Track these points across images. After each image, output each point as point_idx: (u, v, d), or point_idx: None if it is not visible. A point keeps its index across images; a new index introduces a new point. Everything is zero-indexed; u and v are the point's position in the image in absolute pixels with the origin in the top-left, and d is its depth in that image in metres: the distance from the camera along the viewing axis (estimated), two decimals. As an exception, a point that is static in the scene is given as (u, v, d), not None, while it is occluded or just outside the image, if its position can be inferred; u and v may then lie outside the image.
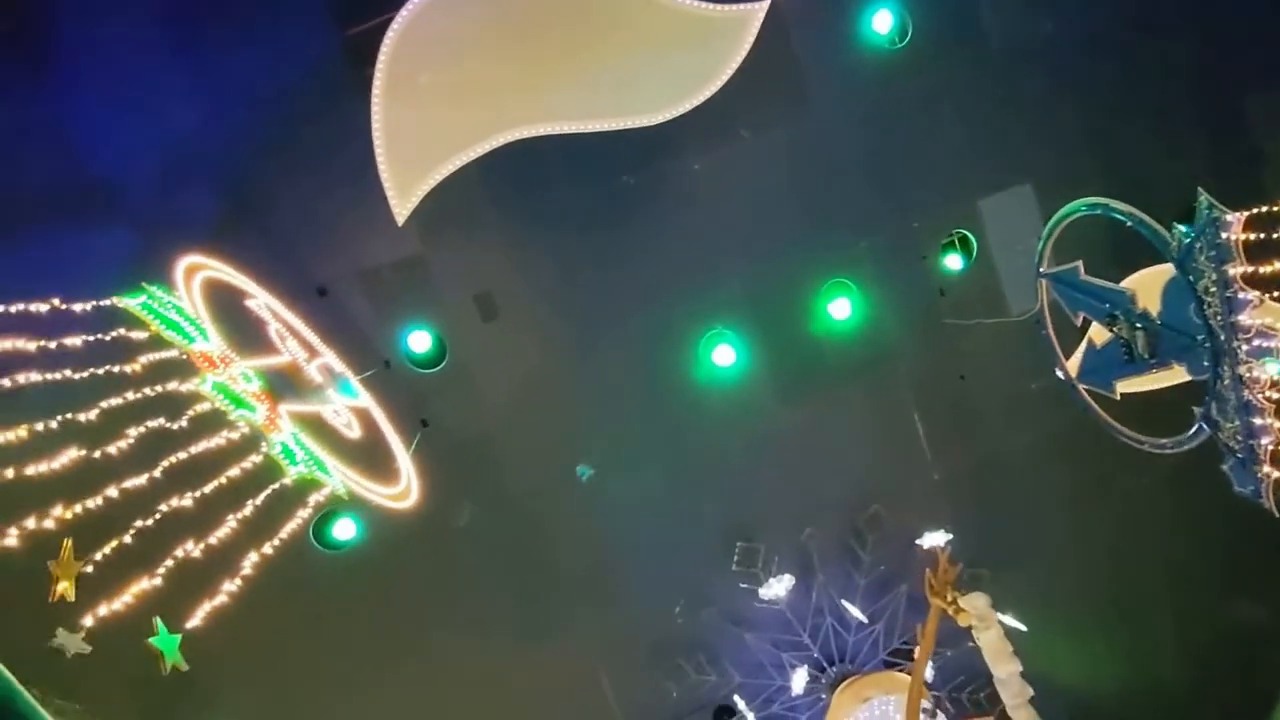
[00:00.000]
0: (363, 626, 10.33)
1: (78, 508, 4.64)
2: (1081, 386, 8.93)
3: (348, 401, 7.56)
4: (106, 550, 4.80)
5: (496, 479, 10.42)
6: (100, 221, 8.75)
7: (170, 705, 10.16)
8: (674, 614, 10.93)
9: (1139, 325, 7.80)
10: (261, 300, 7.27)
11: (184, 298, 6.35)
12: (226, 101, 9.03)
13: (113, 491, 4.95)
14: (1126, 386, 8.43)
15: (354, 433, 7.58)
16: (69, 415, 4.83)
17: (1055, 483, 11.49)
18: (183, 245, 8.06)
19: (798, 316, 10.81)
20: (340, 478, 6.88)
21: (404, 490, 8.02)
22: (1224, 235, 6.77)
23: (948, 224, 10.90)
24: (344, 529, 10.11)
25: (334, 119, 9.23)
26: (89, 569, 4.68)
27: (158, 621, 5.19)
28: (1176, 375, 7.93)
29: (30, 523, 4.44)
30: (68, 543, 4.57)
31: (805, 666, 11.02)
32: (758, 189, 10.49)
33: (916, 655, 8.91)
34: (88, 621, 4.85)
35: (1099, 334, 8.51)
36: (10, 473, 4.43)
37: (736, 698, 11.02)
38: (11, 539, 4.23)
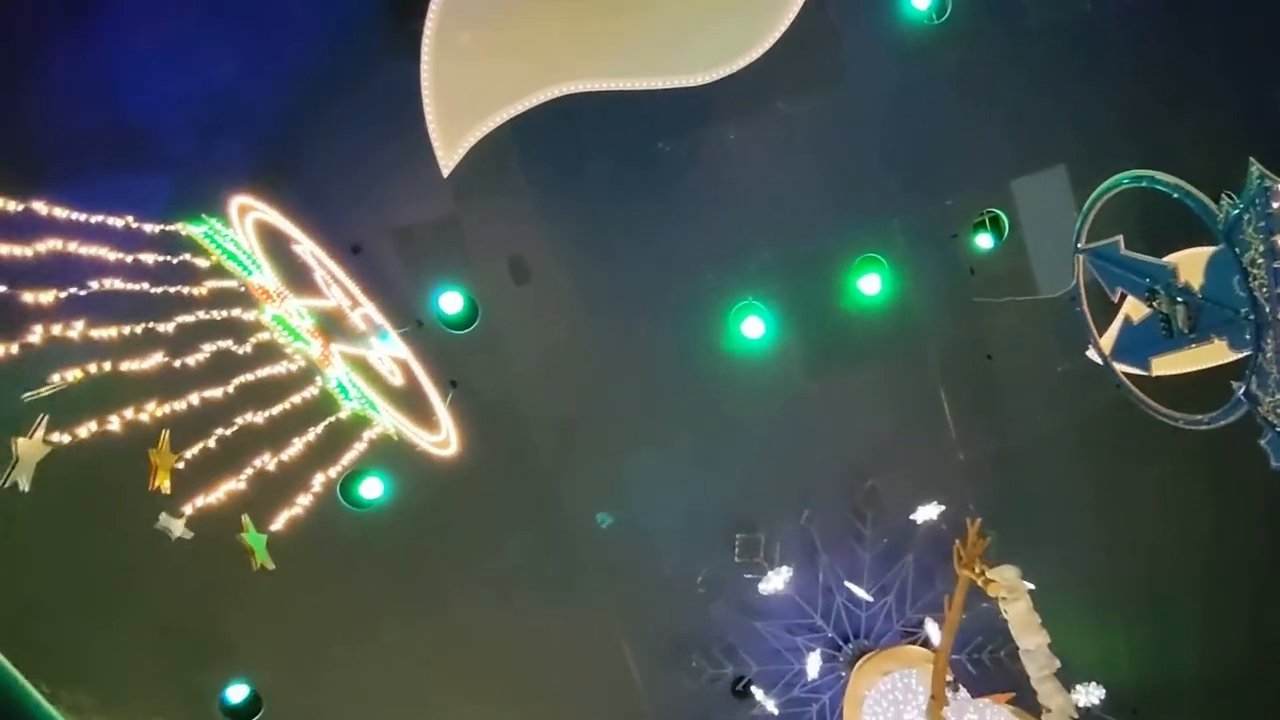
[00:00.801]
0: (385, 584, 10.36)
1: (167, 408, 4.70)
2: (1116, 365, 8.90)
3: (389, 351, 7.58)
4: (195, 451, 4.86)
5: (523, 442, 10.43)
6: (140, 169, 8.76)
7: (191, 658, 10.21)
8: (695, 584, 10.92)
9: (1180, 300, 7.77)
10: (306, 247, 7.28)
11: (239, 233, 6.37)
12: (270, 54, 9.03)
13: (194, 398, 4.99)
14: (1163, 364, 8.39)
15: (396, 380, 7.58)
16: (151, 324, 4.87)
17: (1079, 467, 11.49)
18: (223, 194, 8.12)
19: (828, 291, 10.81)
20: (389, 418, 6.91)
21: (445, 439, 8.04)
22: (1275, 205, 6.75)
23: (980, 203, 10.89)
24: (371, 488, 10.13)
25: (377, 76, 9.25)
26: (179, 464, 4.75)
27: (246, 519, 5.28)
28: (1215, 352, 7.89)
29: (128, 413, 4.49)
30: (165, 433, 4.63)
31: (819, 650, 11.01)
32: (792, 161, 10.49)
33: (943, 627, 8.94)
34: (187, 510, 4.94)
35: (1136, 310, 8.47)
36: (108, 366, 4.50)
37: (754, 688, 11.02)
38: (113, 424, 4.30)
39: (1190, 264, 7.94)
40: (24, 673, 9.66)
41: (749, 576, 10.89)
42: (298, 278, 6.79)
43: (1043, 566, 10.98)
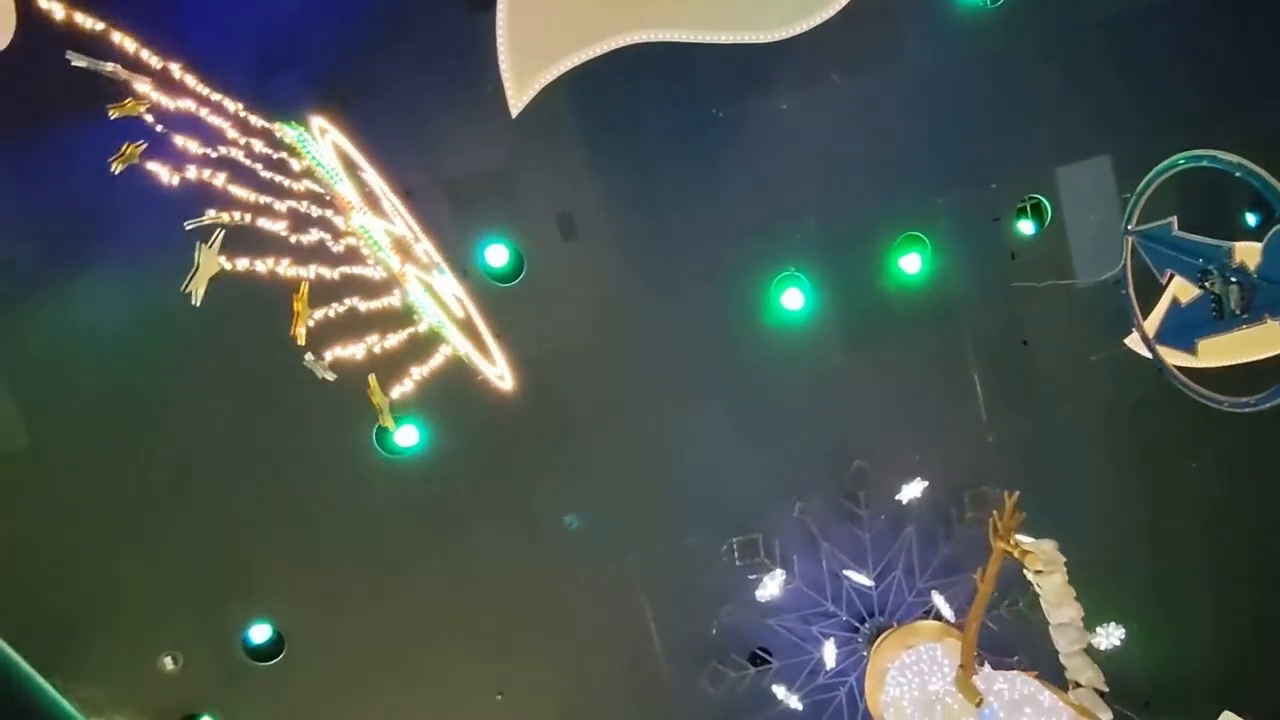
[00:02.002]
0: (414, 532, 10.39)
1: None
2: (1160, 348, 8.99)
3: (449, 286, 7.64)
4: (327, 312, 4.94)
5: (561, 398, 10.46)
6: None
7: (214, 595, 10.23)
8: (721, 552, 10.95)
9: (1234, 280, 7.87)
10: (372, 175, 7.34)
11: (321, 147, 6.43)
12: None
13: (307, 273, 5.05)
14: (1209, 349, 8.49)
15: (459, 313, 7.64)
16: (267, 200, 4.94)
17: (1106, 457, 11.56)
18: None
19: (869, 267, 10.85)
20: (459, 341, 6.99)
21: (503, 374, 8.11)
22: (1342, 183, 6.85)
23: (1024, 188, 10.96)
24: (407, 435, 10.17)
25: (444, 23, 9.31)
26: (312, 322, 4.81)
27: (373, 379, 5.36)
28: (1265, 335, 7.99)
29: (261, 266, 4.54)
30: (304, 285, 4.67)
31: (833, 639, 11.05)
32: (842, 135, 10.55)
33: (975, 599, 8.97)
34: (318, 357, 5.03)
35: (1185, 292, 8.57)
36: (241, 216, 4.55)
37: (775, 688, 11.07)
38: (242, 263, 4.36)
39: (1245, 249, 8.05)
40: (41, 588, 9.70)
41: (752, 577, 10.93)
42: (370, 203, 6.86)
43: (1063, 554, 11.15)
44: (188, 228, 4.46)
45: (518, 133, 9.85)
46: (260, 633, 10.38)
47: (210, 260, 4.23)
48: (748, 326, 10.72)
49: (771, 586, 10.71)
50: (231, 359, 9.85)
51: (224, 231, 4.27)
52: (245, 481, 10.10)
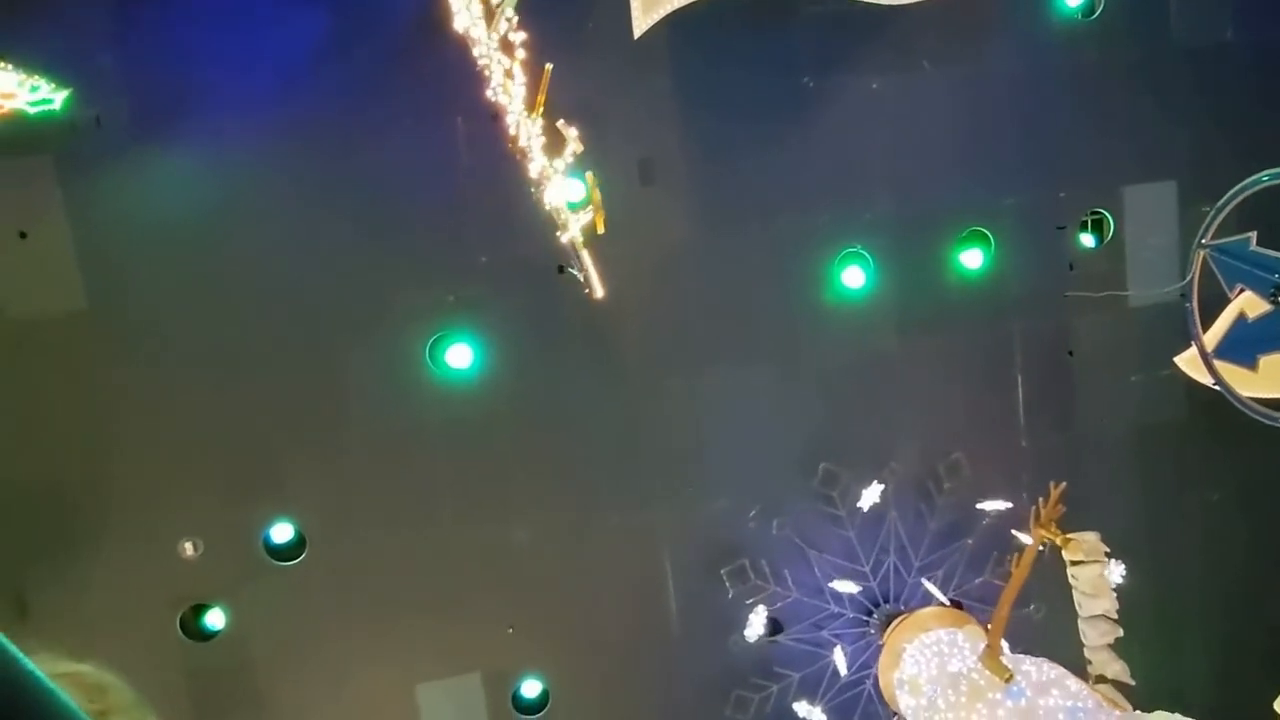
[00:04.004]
0: (452, 456, 10.34)
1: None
2: (1218, 362, 9.16)
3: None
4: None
5: (615, 339, 10.48)
6: None
7: (240, 488, 10.14)
8: (748, 517, 10.98)
9: (1309, 297, 8.06)
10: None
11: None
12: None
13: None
14: (1271, 365, 8.68)
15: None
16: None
17: (1131, 478, 11.75)
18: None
19: (931, 256, 11.02)
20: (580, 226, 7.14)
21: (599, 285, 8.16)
22: None
23: (1091, 201, 11.19)
24: (460, 356, 10.17)
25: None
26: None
27: (590, 176, 5.39)
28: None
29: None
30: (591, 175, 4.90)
31: (840, 645, 11.11)
32: (924, 121, 10.73)
33: (1008, 584, 9.08)
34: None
35: (1253, 307, 8.77)
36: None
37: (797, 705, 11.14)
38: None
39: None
40: (74, 453, 9.57)
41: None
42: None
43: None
44: None
45: (611, 75, 9.94)
46: (282, 532, 10.28)
47: None
48: (806, 299, 10.83)
49: (756, 625, 10.79)
50: (299, 258, 9.84)
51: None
52: (292, 381, 10.03)
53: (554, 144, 7.62)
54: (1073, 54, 10.83)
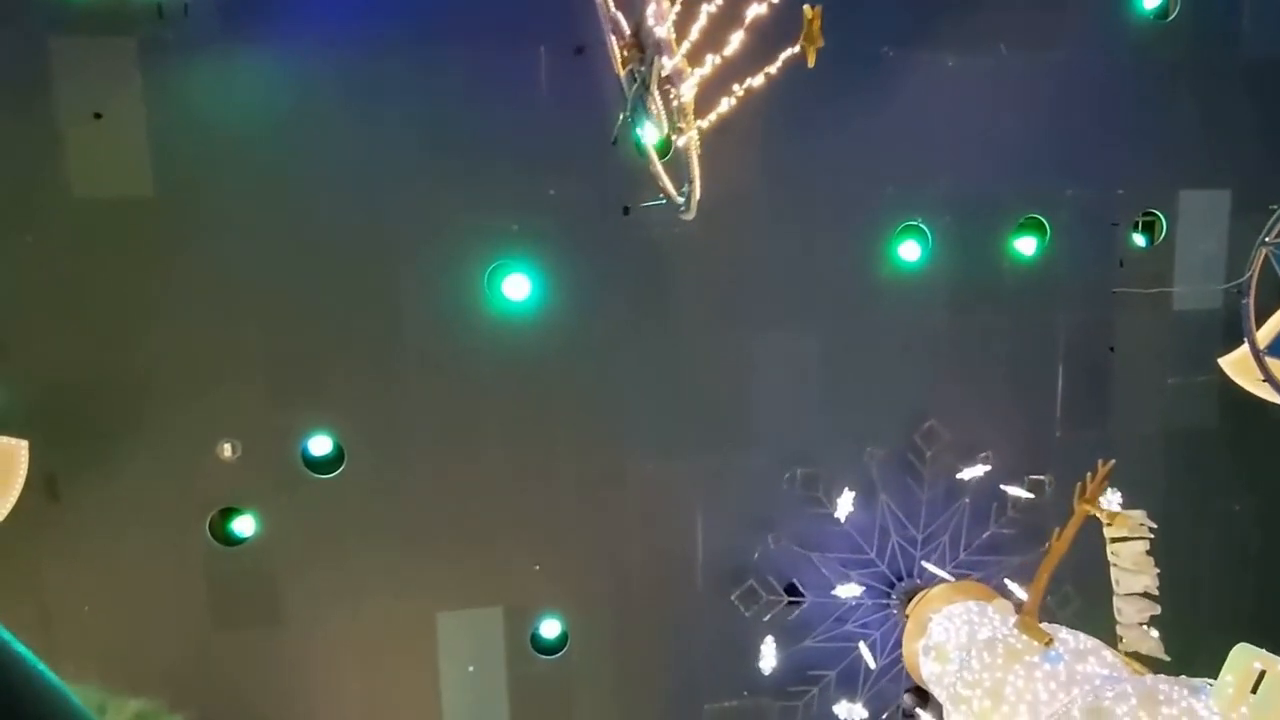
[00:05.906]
0: (499, 388, 10.32)
1: None
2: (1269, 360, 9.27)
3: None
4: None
5: (673, 289, 10.52)
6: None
7: (290, 400, 10.06)
8: (783, 480, 11.01)
9: (1374, 295, 8.18)
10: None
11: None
12: None
13: None
14: (1325, 360, 8.80)
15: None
16: None
17: (1157, 480, 11.83)
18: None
19: (988, 237, 11.13)
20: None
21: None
22: None
23: (1147, 201, 11.34)
24: (518, 286, 10.17)
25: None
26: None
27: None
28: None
29: None
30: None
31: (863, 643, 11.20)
32: (995, 104, 10.86)
33: (1048, 555, 9.14)
34: None
35: (1313, 306, 8.89)
36: None
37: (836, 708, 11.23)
38: None
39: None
40: (125, 340, 9.46)
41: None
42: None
43: (1090, 564, 11.35)
44: None
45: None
46: (321, 444, 10.21)
47: None
48: (861, 268, 10.90)
49: (769, 657, 11.00)
50: (367, 170, 9.80)
51: None
52: (349, 297, 9.98)
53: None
54: (1144, 54, 11.00)
